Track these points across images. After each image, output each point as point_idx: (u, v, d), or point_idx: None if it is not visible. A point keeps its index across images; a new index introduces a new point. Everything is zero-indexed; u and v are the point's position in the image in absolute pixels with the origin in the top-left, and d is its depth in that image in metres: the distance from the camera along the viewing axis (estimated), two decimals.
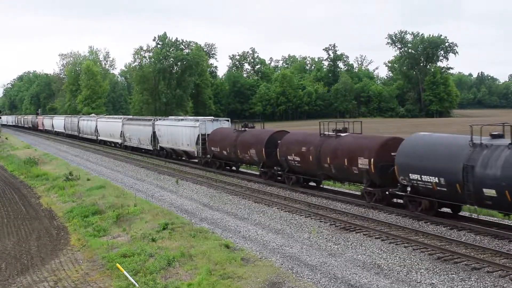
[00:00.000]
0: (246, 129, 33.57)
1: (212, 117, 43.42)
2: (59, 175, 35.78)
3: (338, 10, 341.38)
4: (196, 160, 39.61)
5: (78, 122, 74.86)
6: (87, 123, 70.33)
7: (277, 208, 23.01)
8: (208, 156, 36.51)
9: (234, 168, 35.82)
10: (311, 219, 20.78)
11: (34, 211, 26.43)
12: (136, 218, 21.86)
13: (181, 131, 40.59)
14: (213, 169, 35.75)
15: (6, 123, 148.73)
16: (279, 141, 28.88)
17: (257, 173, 32.36)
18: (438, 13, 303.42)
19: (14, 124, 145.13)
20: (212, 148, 35.54)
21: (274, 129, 32.49)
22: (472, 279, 13.42)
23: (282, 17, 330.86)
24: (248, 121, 37.09)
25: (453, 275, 13.75)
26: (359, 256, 15.76)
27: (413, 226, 19.03)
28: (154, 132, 46.11)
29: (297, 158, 26.79)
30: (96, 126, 65.00)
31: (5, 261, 18.03)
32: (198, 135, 37.45)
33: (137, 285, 13.87)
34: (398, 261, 15.12)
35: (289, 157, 27.44)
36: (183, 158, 43.12)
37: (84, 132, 70.96)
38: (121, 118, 58.71)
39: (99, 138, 63.94)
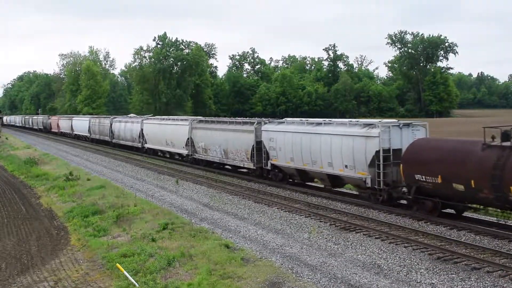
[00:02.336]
0: None
1: (394, 120, 26.07)
2: (59, 175, 35.78)
3: (338, 10, 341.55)
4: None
5: (112, 124, 59.16)
6: (126, 126, 54.79)
7: (277, 208, 23.02)
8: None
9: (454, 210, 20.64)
10: (311, 219, 20.78)
11: (34, 211, 26.43)
12: (136, 218, 21.87)
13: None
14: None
15: (14, 123, 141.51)
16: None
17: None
18: (438, 13, 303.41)
19: (21, 125, 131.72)
20: (419, 175, 19.49)
21: None
22: (472, 279, 13.42)
23: (282, 17, 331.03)
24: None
25: (453, 275, 13.75)
26: (359, 256, 15.77)
27: (413, 226, 19.03)
28: (259, 142, 29.65)
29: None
30: (142, 130, 49.05)
31: (5, 261, 18.03)
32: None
33: (137, 285, 13.87)
34: (398, 261, 15.12)
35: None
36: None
37: (121, 137, 55.87)
38: (187, 119, 41.76)
39: (147, 146, 48.25)
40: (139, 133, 49.45)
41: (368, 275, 14.01)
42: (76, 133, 76.51)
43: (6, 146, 68.27)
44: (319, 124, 25.78)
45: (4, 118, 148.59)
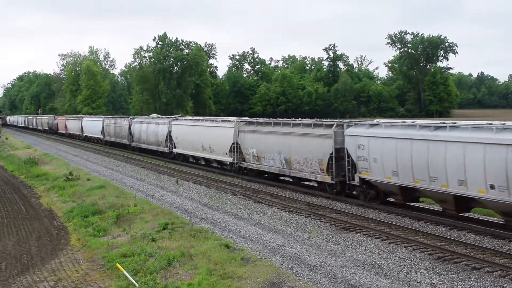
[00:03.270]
0: None
1: None
2: (59, 175, 35.78)
3: (338, 10, 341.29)
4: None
5: (131, 125, 52.14)
6: (150, 128, 47.36)
7: (277, 208, 23.02)
8: None
9: None
10: (311, 219, 20.79)
11: (34, 211, 26.44)
12: (136, 218, 21.87)
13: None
14: None
15: (16, 123, 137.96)
16: None
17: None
18: (438, 13, 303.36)
19: (24, 125, 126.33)
20: None
21: None
22: (472, 279, 13.43)
23: (282, 17, 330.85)
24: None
25: (453, 275, 13.76)
26: (359, 256, 15.77)
27: (413, 226, 19.04)
28: (339, 149, 23.70)
29: None
30: (170, 132, 42.51)
31: (5, 261, 18.04)
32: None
33: (137, 285, 13.87)
34: (398, 261, 15.13)
35: None
36: None
37: (143, 140, 49.02)
38: (231, 120, 33.87)
39: (176, 151, 41.93)
40: (166, 136, 43.19)
41: (368, 275, 14.01)
42: (87, 134, 69.88)
43: (6, 146, 68.27)
44: (440, 128, 19.16)
45: (8, 118, 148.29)
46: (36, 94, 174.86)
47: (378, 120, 23.58)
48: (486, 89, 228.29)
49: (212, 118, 40.93)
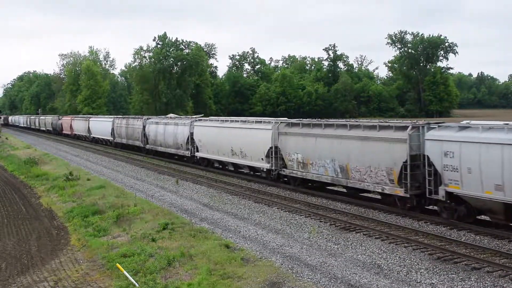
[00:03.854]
0: None
1: None
2: (59, 175, 35.78)
3: (338, 10, 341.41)
4: None
5: (145, 126, 47.80)
6: (167, 130, 43.28)
7: (277, 208, 23.02)
8: None
9: None
10: (311, 219, 20.78)
11: (34, 211, 26.43)
12: (136, 218, 21.87)
13: None
14: None
15: (17, 124, 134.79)
16: None
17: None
18: (438, 13, 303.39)
19: (25, 125, 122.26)
20: None
21: None
22: (472, 279, 13.42)
23: (282, 17, 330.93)
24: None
25: (453, 275, 13.76)
26: (359, 256, 15.77)
27: (413, 226, 19.04)
28: (414, 156, 20.25)
29: None
30: (192, 134, 38.49)
31: (5, 261, 18.03)
32: None
33: (137, 285, 13.87)
34: (398, 261, 15.13)
35: None
36: None
37: (159, 142, 44.84)
38: (268, 121, 30.50)
39: (199, 155, 37.59)
40: (187, 139, 39.05)
41: (368, 275, 14.01)
42: (94, 136, 65.83)
43: (6, 146, 68.27)
44: None
45: (10, 118, 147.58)
46: (36, 94, 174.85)
47: (468, 121, 19.53)
48: (486, 89, 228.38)
49: (243, 118, 34.61)
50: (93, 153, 53.67)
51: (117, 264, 15.50)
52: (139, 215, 22.26)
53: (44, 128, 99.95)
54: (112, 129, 57.89)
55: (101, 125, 63.13)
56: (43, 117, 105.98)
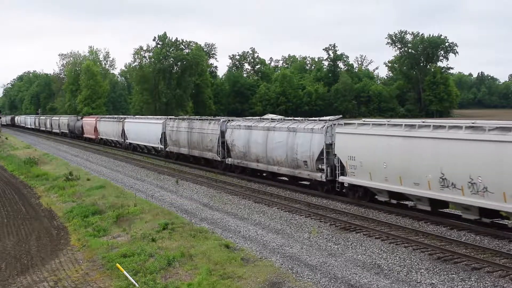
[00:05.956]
0: None
1: None
2: (59, 175, 35.77)
3: (338, 10, 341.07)
4: None
5: (224, 131, 33.78)
6: (275, 137, 28.36)
7: (277, 208, 23.01)
8: None
9: None
10: (311, 219, 20.77)
11: (34, 211, 26.42)
12: (136, 218, 21.86)
13: None
14: None
15: (23, 125, 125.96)
16: None
17: None
18: (438, 13, 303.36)
19: (34, 127, 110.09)
20: None
21: None
22: (472, 279, 13.42)
23: (282, 17, 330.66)
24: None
25: (453, 275, 13.75)
26: (359, 256, 15.76)
27: (413, 226, 19.03)
28: None
29: None
30: (330, 145, 24.37)
31: (5, 261, 18.02)
32: None
33: (137, 285, 13.86)
34: (398, 261, 15.12)
35: None
36: None
37: (255, 157, 30.33)
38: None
39: (347, 180, 23.23)
40: (313, 153, 24.99)
41: (368, 275, 14.00)
42: (132, 142, 52.53)
43: (6, 146, 68.26)
44: None
45: (16, 118, 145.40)
46: (36, 94, 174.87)
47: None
48: (486, 89, 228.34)
49: (442, 122, 20.17)
50: (93, 153, 53.67)
51: (117, 264, 15.49)
52: (139, 215, 22.25)
53: (57, 131, 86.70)
54: (163, 134, 44.17)
55: (144, 129, 48.83)
56: (57, 118, 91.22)
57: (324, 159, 24.51)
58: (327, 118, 27.15)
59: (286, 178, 29.43)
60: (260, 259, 15.59)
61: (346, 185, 23.49)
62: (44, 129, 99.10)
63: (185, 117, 41.50)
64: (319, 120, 26.79)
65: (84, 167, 41.18)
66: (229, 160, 33.47)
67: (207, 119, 37.44)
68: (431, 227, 18.72)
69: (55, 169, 40.42)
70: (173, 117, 46.16)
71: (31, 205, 28.10)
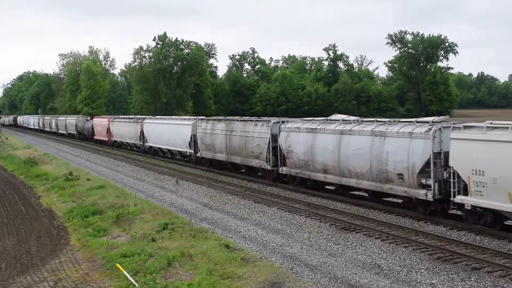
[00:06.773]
0: None
1: None
2: (59, 175, 35.77)
3: (338, 10, 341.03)
4: None
5: (277, 134, 28.41)
6: (374, 144, 21.51)
7: (277, 208, 23.01)
8: None
9: None
10: (311, 219, 20.77)
11: (34, 211, 26.42)
12: (136, 218, 21.86)
13: None
14: None
15: (26, 125, 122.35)
16: None
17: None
18: (438, 13, 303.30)
19: (38, 128, 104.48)
20: None
21: None
22: (472, 279, 13.42)
23: (282, 17, 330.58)
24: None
25: (453, 275, 13.75)
26: (359, 256, 15.76)
27: (413, 226, 19.03)
28: None
29: None
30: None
31: (5, 261, 18.02)
32: None
33: (137, 285, 13.86)
34: (398, 261, 15.12)
35: None
36: None
37: (340, 170, 23.73)
38: None
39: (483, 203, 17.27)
40: (414, 164, 19.80)
41: (368, 275, 14.00)
42: (153, 145, 47.22)
43: (6, 146, 68.24)
44: None
45: (19, 118, 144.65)
46: (36, 94, 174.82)
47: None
48: (486, 89, 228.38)
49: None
50: (92, 153, 53.66)
51: (117, 264, 15.49)
52: (139, 215, 22.25)
53: (64, 132, 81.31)
54: (193, 137, 39.12)
55: (169, 130, 43.24)
56: (63, 118, 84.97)
57: (431, 173, 19.01)
58: (430, 119, 20.75)
59: (366, 194, 23.90)
60: (260, 259, 15.59)
61: (468, 207, 17.95)
62: (49, 130, 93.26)
63: (221, 117, 37.20)
64: (416, 121, 21.18)
65: (84, 167, 41.18)
66: (283, 170, 28.00)
67: (252, 120, 31.96)
68: (431, 227, 18.72)
69: (55, 169, 40.41)
70: (205, 117, 41.32)
71: (31, 205, 28.10)
